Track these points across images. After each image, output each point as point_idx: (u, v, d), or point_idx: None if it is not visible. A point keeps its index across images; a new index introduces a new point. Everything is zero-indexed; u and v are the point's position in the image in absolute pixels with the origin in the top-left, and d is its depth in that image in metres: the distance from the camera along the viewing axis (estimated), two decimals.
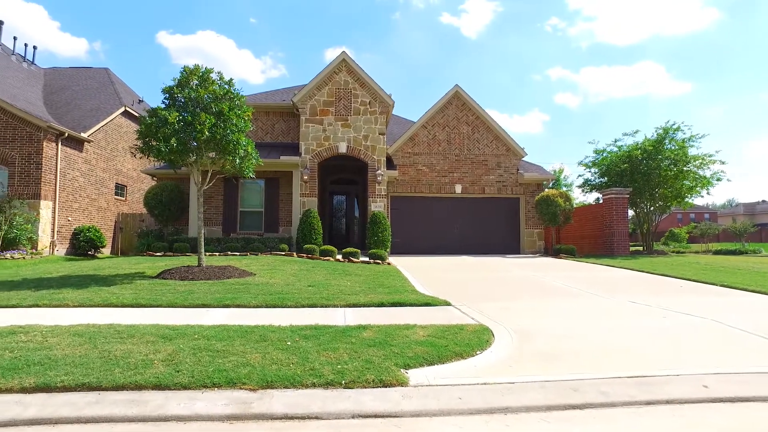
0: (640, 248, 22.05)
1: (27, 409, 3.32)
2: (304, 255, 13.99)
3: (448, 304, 7.30)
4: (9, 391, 3.54)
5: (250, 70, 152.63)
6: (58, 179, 17.05)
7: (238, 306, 6.98)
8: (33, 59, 25.05)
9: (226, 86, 9.99)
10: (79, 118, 19.61)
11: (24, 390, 3.54)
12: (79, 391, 3.56)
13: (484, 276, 11.28)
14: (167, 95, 9.74)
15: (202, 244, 10.24)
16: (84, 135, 18.38)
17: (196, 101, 9.60)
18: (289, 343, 4.63)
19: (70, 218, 17.91)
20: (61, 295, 7.42)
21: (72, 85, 23.40)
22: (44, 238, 16.37)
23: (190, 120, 9.20)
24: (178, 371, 3.81)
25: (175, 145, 8.95)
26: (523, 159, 19.72)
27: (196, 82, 9.80)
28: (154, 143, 9.13)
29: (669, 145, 18.73)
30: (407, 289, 8.50)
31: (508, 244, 19.18)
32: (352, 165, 19.92)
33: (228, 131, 9.37)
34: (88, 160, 19.24)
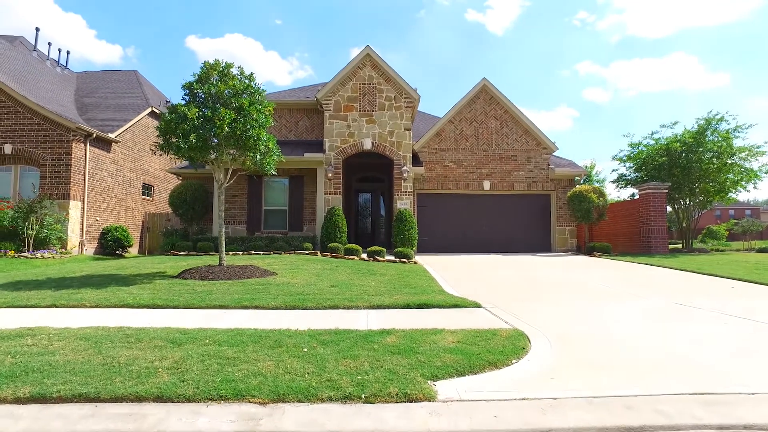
0: (678, 246, 20.97)
1: (18, 422, 3.03)
2: (328, 254, 13.68)
3: (477, 305, 6.83)
4: (2, 401, 3.27)
5: (277, 72, 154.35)
6: (87, 179, 17.23)
7: (257, 307, 6.68)
8: (66, 64, 25.56)
9: (247, 81, 9.72)
10: (107, 120, 19.84)
11: (18, 400, 3.27)
12: (75, 402, 3.26)
13: (514, 275, 10.73)
14: (187, 91, 9.54)
15: (223, 243, 10.02)
16: (111, 136, 18.56)
17: (216, 97, 9.37)
18: (305, 349, 4.26)
19: (98, 218, 18.10)
20: (80, 296, 7.26)
21: (102, 88, 23.77)
22: (73, 238, 16.55)
23: (209, 116, 8.97)
24: (183, 381, 3.48)
25: (194, 141, 8.72)
26: (553, 154, 18.97)
27: (216, 77, 9.56)
28: (174, 140, 8.92)
29: (711, 137, 17.64)
30: (434, 290, 8.05)
31: (538, 242, 18.47)
32: (377, 162, 19.53)
33: (248, 126, 9.10)
34: (115, 161, 19.43)
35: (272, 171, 10.22)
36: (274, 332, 4.89)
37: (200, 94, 9.52)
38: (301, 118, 18.05)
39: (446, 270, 11.53)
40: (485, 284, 9.34)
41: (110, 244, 17.97)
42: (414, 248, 15.28)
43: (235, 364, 3.82)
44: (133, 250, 20.19)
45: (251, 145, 9.20)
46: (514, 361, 4.13)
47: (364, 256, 13.63)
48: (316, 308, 6.64)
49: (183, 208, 16.49)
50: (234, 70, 9.75)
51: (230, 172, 10.06)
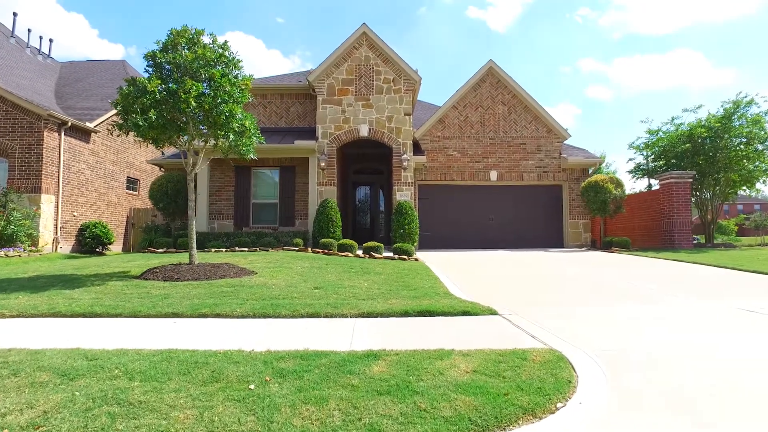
0: (700, 240, 19.58)
1: None
2: (320, 250, 12.35)
3: (493, 312, 5.48)
4: None
5: (279, 70, 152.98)
6: (62, 172, 15.92)
7: (217, 316, 5.36)
8: (49, 53, 24.24)
9: (220, 50, 8.37)
10: (88, 109, 18.52)
11: None
12: None
13: (529, 274, 9.38)
14: (150, 62, 8.19)
15: (194, 237, 8.69)
16: (90, 125, 17.23)
17: (185, 68, 8.02)
18: (252, 386, 2.93)
19: (75, 213, 16.80)
20: (6, 302, 5.95)
21: (87, 77, 22.44)
22: (46, 235, 15.26)
23: (174, 89, 7.63)
24: None
25: (154, 118, 7.39)
26: (564, 142, 17.58)
27: (184, 45, 8.22)
28: (133, 117, 7.59)
29: (739, 122, 16.20)
30: (438, 292, 6.71)
31: (549, 237, 17.09)
32: (376, 153, 18.20)
33: (219, 101, 7.75)
34: (95, 152, 18.11)
35: (251, 155, 8.88)
36: (218, 356, 3.55)
37: (166, 66, 8.18)
38: (293, 104, 16.68)
39: (451, 268, 10.19)
40: (497, 285, 8.00)
41: (88, 241, 16.65)
42: (415, 244, 13.94)
43: (135, 417, 2.49)
44: (116, 248, 18.89)
45: (222, 123, 7.84)
46: (559, 404, 2.79)
47: (360, 252, 12.30)
48: (290, 316, 5.32)
49: (164, 201, 15.19)
50: (205, 38, 8.41)
51: (202, 156, 8.72)
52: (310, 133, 15.60)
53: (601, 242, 16.02)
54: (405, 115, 15.14)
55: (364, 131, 15.03)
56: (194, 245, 8.65)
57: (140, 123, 7.40)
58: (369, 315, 5.39)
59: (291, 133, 15.92)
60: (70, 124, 16.01)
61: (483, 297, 6.43)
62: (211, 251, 12.65)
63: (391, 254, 12.16)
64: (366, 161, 20.04)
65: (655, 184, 19.75)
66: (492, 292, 7.14)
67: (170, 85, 7.74)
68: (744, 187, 17.82)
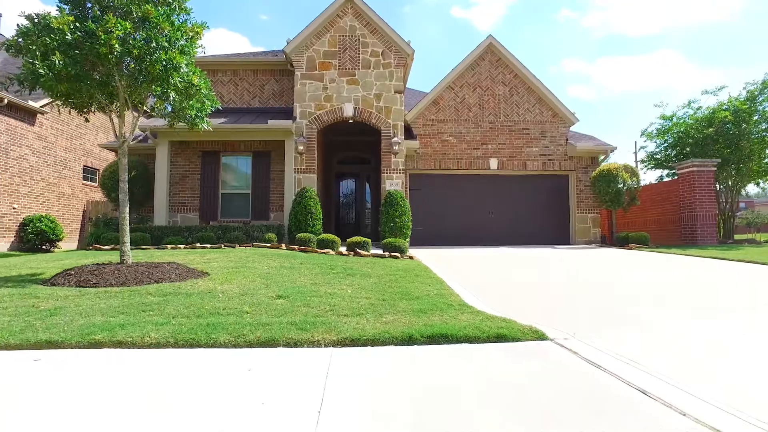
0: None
1: None
2: (296, 247, 10.43)
3: (540, 336, 3.65)
4: None
5: None
6: None
7: (119, 344, 3.43)
8: None
9: None
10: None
11: None
12: None
13: (552, 277, 7.60)
14: None
15: (126, 230, 6.70)
16: (34, 104, 15.02)
17: (107, 5, 6.04)
18: None
19: (15, 206, 14.59)
20: None
21: None
22: None
23: (92, 28, 5.64)
24: None
25: (60, 64, 5.40)
26: (571, 129, 15.87)
27: None
28: (30, 63, 5.58)
29: (763, 105, 14.62)
30: (450, 302, 4.84)
31: (554, 233, 15.37)
32: (361, 141, 16.32)
33: (154, 45, 5.78)
34: (43, 136, 15.88)
35: (204, 125, 6.94)
36: None
37: (86, 2, 6.18)
38: (268, 81, 14.67)
39: (453, 268, 8.36)
40: (520, 292, 6.18)
41: (32, 237, 14.47)
42: (407, 239, 12.08)
43: None
44: (69, 245, 16.68)
45: (159, 76, 5.86)
46: None
47: (343, 249, 10.41)
48: (231, 345, 3.43)
49: (117, 191, 13.09)
50: None
51: (135, 121, 6.71)
52: (288, 114, 13.62)
53: (613, 238, 14.34)
54: (395, 93, 13.25)
55: (348, 111, 13.09)
56: (126, 240, 6.67)
57: (42, 71, 5.40)
58: (354, 342, 3.52)
59: (266, 113, 13.92)
60: (6, 101, 13.81)
61: (512, 309, 4.60)
62: (167, 248, 10.68)
63: (380, 251, 10.30)
64: (351, 149, 18.11)
65: (665, 174, 18.22)
66: (520, 302, 5.32)
67: (87, 24, 5.74)
68: (759, 180, 16.36)
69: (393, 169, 13.01)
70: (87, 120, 7.22)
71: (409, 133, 14.71)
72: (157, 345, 3.45)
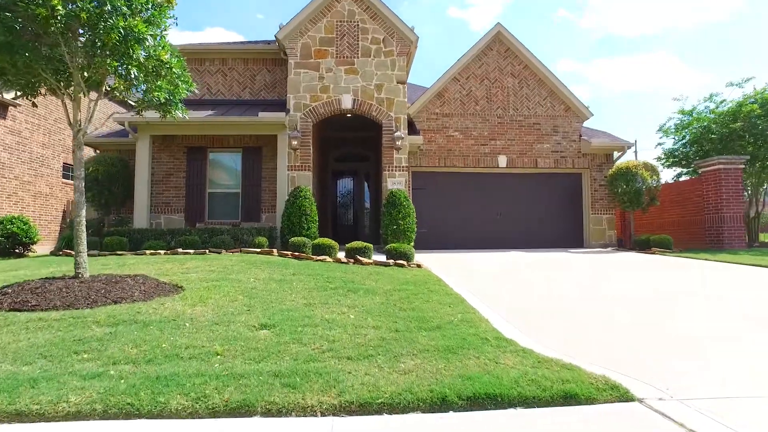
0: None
1: None
2: (289, 253, 9.32)
3: (623, 395, 2.58)
4: None
5: None
6: None
7: (16, 415, 2.34)
8: None
9: None
10: None
11: None
12: None
13: (586, 292, 6.55)
14: None
15: (83, 236, 5.62)
16: (6, 96, 13.84)
17: None
18: None
19: None
20: None
21: None
22: None
23: None
24: None
25: None
26: (584, 124, 14.83)
27: None
28: None
29: None
30: (482, 333, 3.76)
31: (567, 235, 14.30)
32: (360, 137, 15.23)
33: (110, 9, 4.65)
34: (16, 131, 14.70)
35: (177, 111, 5.84)
36: None
37: None
38: (259, 71, 13.53)
39: (468, 280, 7.28)
40: (558, 313, 5.11)
41: (1, 240, 13.29)
42: (411, 243, 11.01)
43: None
44: (45, 248, 15.48)
45: (115, 48, 4.74)
46: None
47: (341, 255, 9.30)
48: (186, 415, 2.34)
49: (95, 189, 11.98)
50: None
51: (95, 105, 5.56)
52: (281, 107, 12.48)
53: (631, 241, 13.30)
54: (398, 83, 12.16)
55: (347, 102, 11.98)
56: (83, 249, 5.58)
57: None
58: (363, 408, 2.44)
59: (257, 106, 12.79)
60: None
61: (559, 342, 3.53)
62: (145, 254, 9.56)
63: (383, 258, 9.22)
64: (349, 146, 16.99)
65: (683, 173, 17.22)
66: (562, 329, 4.25)
67: None
68: None
69: (395, 167, 11.92)
70: (34, 105, 6.11)
71: (411, 128, 13.61)
72: (77, 415, 2.36)
